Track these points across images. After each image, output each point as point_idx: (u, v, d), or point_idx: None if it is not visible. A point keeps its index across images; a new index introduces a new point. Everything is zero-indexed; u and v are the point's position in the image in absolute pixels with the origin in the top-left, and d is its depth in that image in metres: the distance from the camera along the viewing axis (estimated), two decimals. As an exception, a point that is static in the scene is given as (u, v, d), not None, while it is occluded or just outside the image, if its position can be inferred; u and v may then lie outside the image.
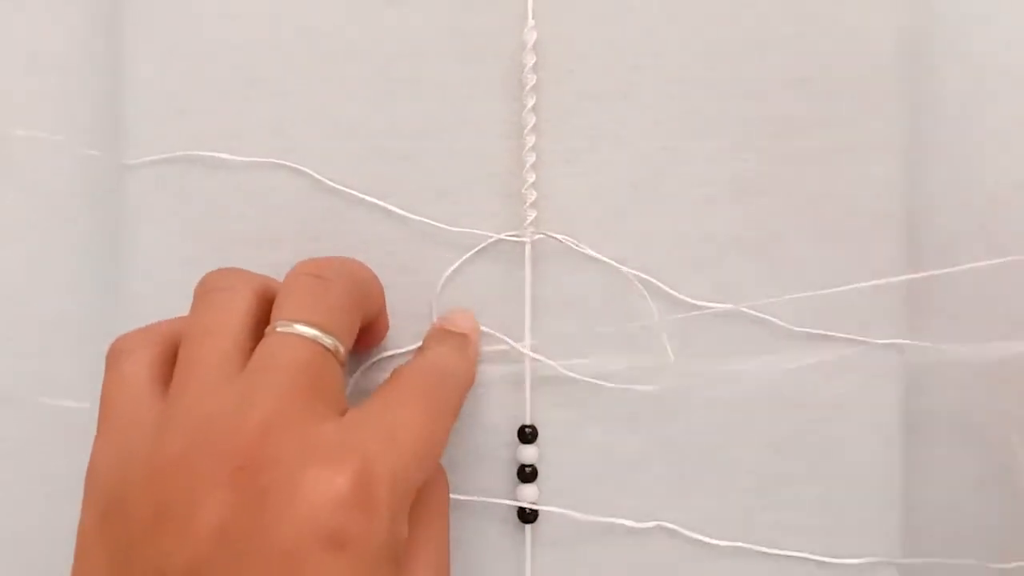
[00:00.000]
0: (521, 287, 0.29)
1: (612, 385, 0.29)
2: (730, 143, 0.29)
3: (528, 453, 0.29)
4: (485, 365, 0.30)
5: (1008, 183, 0.31)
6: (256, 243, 0.29)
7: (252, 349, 0.24)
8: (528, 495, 0.29)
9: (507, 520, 0.30)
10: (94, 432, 0.23)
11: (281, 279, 0.26)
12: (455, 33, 0.29)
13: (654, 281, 0.29)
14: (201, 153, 0.29)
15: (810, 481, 0.30)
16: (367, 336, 0.28)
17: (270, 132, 0.29)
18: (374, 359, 0.29)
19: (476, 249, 0.29)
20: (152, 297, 0.29)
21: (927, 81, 0.30)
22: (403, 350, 0.29)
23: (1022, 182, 0.31)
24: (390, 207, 0.29)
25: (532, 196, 0.29)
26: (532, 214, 0.29)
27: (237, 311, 0.24)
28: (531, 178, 0.29)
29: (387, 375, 0.26)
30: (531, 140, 0.29)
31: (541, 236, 0.29)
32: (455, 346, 0.28)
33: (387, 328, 0.29)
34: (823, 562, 0.30)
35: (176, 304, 0.26)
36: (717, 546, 0.30)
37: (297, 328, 0.23)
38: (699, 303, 0.29)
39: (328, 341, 0.24)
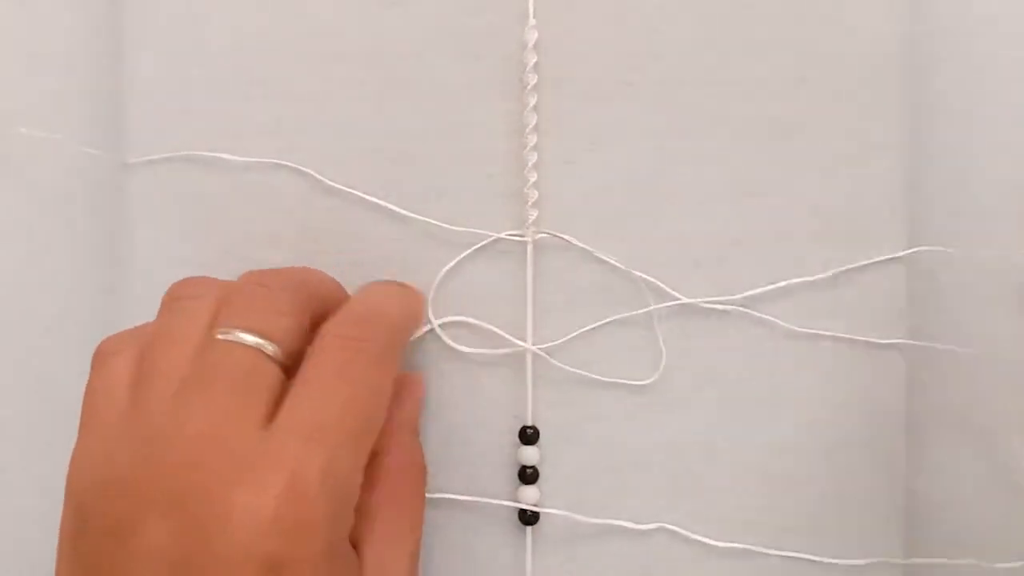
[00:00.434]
0: (522, 287, 0.29)
1: (611, 383, 0.29)
2: (730, 143, 0.29)
3: (529, 454, 0.29)
4: (486, 365, 0.30)
5: (1008, 183, 0.31)
6: (256, 243, 0.29)
7: None
8: (529, 496, 0.29)
9: (508, 521, 0.30)
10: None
11: None
12: (456, 33, 0.29)
13: (654, 281, 0.29)
14: (201, 153, 0.29)
15: (810, 481, 0.30)
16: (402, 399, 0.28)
17: (270, 132, 0.29)
18: None
19: (476, 246, 0.29)
20: (152, 298, 0.29)
21: (927, 81, 0.30)
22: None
23: (1022, 182, 0.31)
24: (391, 207, 0.29)
25: (534, 196, 0.29)
26: (534, 213, 0.29)
27: (200, 318, 0.24)
28: (532, 177, 0.29)
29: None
30: (532, 140, 0.29)
31: (543, 235, 0.29)
32: (379, 289, 0.28)
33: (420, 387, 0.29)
34: (824, 563, 0.30)
35: (176, 304, 0.26)
36: (718, 547, 0.30)
37: (237, 335, 0.23)
38: (699, 303, 0.29)
39: (269, 348, 0.23)
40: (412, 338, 0.29)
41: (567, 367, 0.29)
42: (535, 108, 0.29)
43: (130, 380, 0.24)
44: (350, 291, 0.29)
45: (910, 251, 0.30)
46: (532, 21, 0.29)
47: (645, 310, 0.29)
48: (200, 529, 0.21)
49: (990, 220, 0.30)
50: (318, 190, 0.29)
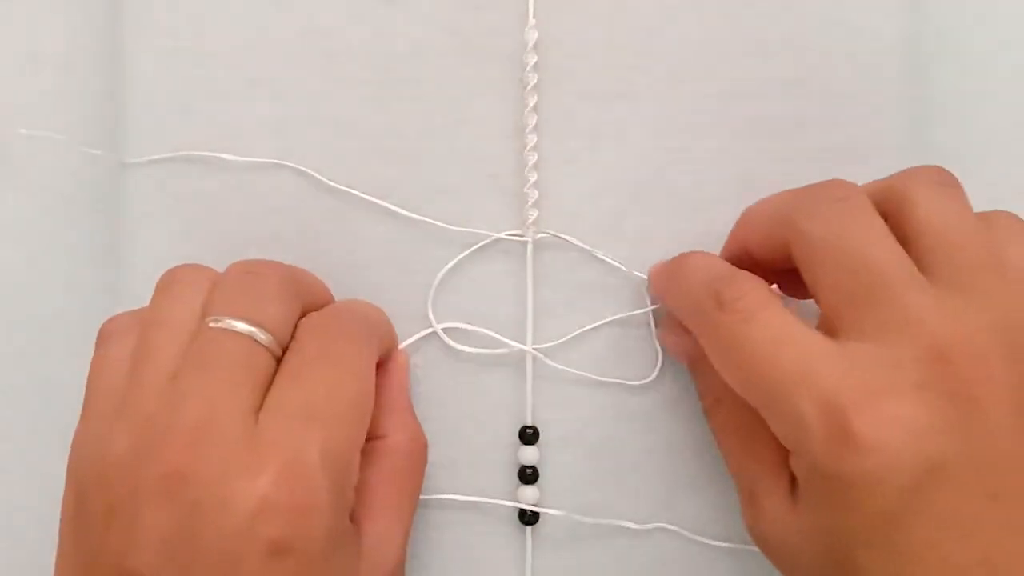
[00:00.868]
0: (522, 287, 0.29)
1: (611, 383, 0.29)
2: (730, 143, 0.29)
3: (529, 454, 0.29)
4: (486, 366, 0.29)
5: (1008, 183, 0.31)
6: (257, 243, 0.29)
7: None
8: (529, 497, 0.29)
9: (508, 521, 0.30)
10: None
11: None
12: (456, 33, 0.29)
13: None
14: (201, 153, 0.29)
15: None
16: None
17: (270, 132, 0.29)
18: None
19: (476, 246, 0.29)
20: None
21: (927, 81, 0.30)
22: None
23: (1022, 182, 0.31)
24: (391, 207, 0.29)
25: (534, 196, 0.29)
26: (534, 213, 0.29)
27: (193, 304, 0.24)
28: (532, 177, 0.29)
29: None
30: (532, 140, 0.29)
31: (543, 235, 0.29)
32: (356, 300, 0.28)
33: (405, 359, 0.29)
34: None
35: (176, 304, 0.26)
36: (718, 547, 0.30)
37: (229, 323, 0.23)
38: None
39: (261, 336, 0.23)
40: (391, 345, 0.28)
41: (567, 368, 0.29)
42: (535, 108, 0.29)
43: (129, 362, 0.24)
44: (349, 291, 0.29)
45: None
46: (532, 21, 0.29)
47: (645, 310, 0.29)
48: (200, 515, 0.21)
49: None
50: (318, 190, 0.29)
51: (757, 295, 0.24)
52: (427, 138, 0.29)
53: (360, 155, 0.29)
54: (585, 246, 0.29)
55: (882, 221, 0.23)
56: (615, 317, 0.29)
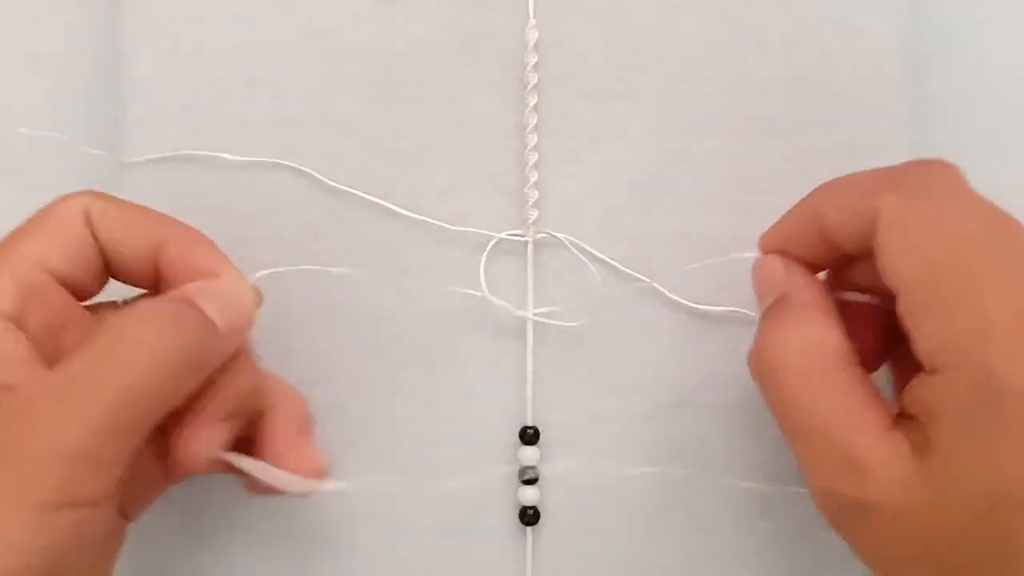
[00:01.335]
0: (522, 287, 0.29)
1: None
2: (730, 143, 0.30)
3: (529, 454, 0.29)
4: (487, 366, 0.30)
5: (1008, 183, 0.31)
6: (256, 243, 0.29)
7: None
8: (529, 496, 0.29)
9: (508, 521, 0.30)
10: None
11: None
12: (456, 33, 0.29)
13: (654, 283, 0.29)
14: (201, 153, 0.29)
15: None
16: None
17: (270, 132, 0.29)
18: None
19: (476, 246, 0.29)
20: (152, 297, 0.29)
21: (927, 81, 0.30)
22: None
23: (1022, 182, 0.31)
24: (391, 206, 0.29)
25: (534, 195, 0.29)
26: (534, 213, 0.29)
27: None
28: (532, 177, 0.29)
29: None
30: (532, 140, 0.29)
31: (543, 235, 0.29)
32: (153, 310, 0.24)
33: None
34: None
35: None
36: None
37: None
38: (699, 306, 0.29)
39: None
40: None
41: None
42: (535, 108, 0.29)
43: None
44: (348, 291, 0.29)
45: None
46: (532, 21, 0.29)
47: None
48: None
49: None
50: (318, 190, 0.29)
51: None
52: (427, 138, 0.29)
53: (360, 155, 0.29)
54: (585, 246, 0.29)
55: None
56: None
